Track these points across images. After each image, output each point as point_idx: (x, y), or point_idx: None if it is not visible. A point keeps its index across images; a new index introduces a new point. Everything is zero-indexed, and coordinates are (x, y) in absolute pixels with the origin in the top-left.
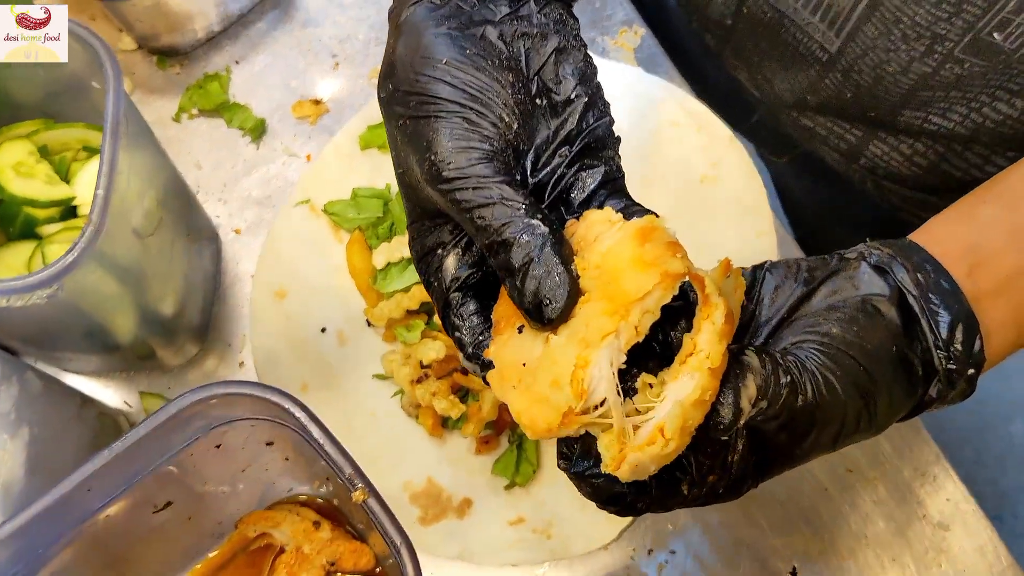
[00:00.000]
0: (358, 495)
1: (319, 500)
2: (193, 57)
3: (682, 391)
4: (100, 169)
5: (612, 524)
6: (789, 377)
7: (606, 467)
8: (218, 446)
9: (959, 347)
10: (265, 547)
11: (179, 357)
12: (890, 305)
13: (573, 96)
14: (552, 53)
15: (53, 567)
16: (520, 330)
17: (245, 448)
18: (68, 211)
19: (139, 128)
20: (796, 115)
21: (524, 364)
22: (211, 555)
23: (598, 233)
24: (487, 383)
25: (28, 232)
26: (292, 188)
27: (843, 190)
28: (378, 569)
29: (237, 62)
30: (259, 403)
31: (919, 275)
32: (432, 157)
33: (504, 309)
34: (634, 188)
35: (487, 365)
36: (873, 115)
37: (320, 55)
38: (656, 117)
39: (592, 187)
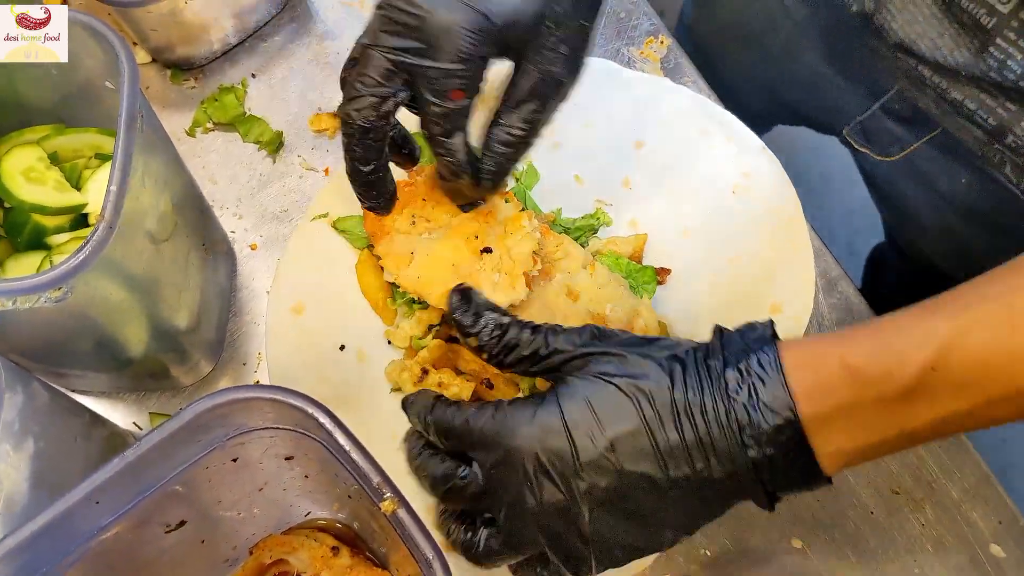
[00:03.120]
0: (387, 505)
1: (338, 525)
2: (208, 71)
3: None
4: (113, 165)
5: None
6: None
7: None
8: (235, 460)
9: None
10: (281, 574)
11: (192, 376)
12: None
13: None
14: None
15: None
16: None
17: (263, 463)
18: (78, 220)
19: (154, 127)
20: (946, 86)
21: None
22: None
23: None
24: None
25: (37, 242)
26: (309, 203)
27: (974, 178)
28: None
29: (254, 75)
30: (279, 409)
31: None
32: None
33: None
34: (664, 199)
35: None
36: None
37: (338, 68)
38: (684, 127)
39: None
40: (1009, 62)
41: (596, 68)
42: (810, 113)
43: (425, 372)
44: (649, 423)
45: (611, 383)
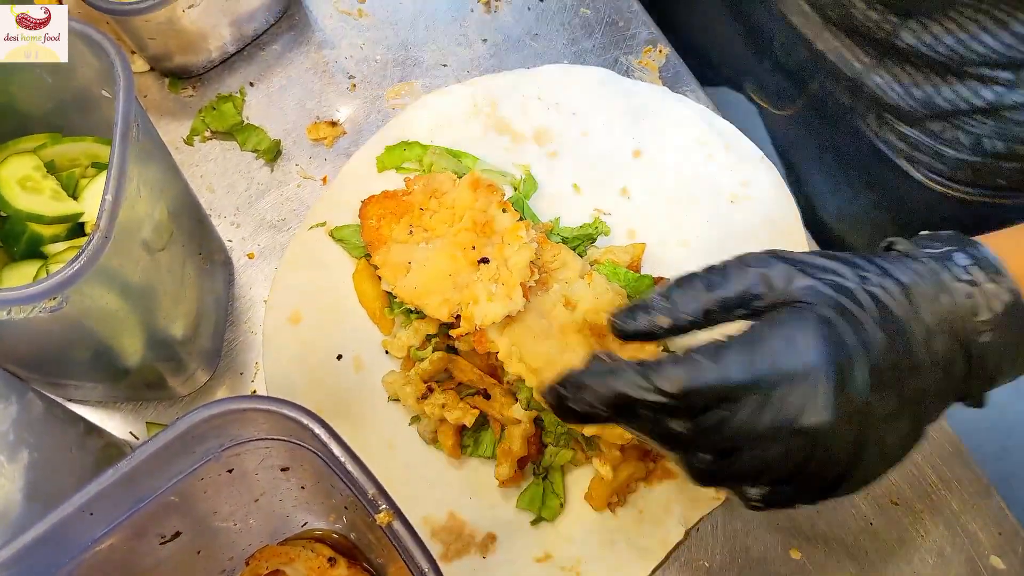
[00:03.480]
0: (382, 517)
1: (334, 535)
2: (206, 80)
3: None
4: (109, 173)
5: (643, 562)
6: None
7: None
8: (230, 471)
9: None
10: None
11: (189, 386)
12: None
13: None
14: None
15: None
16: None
17: (259, 474)
18: (75, 229)
19: (150, 135)
20: (812, 36)
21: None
22: None
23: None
24: None
25: (33, 251)
26: (307, 212)
27: (848, 136)
28: None
29: (252, 84)
30: (275, 420)
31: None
32: None
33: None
34: (662, 208)
35: None
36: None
37: (336, 76)
38: (683, 136)
39: None
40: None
41: (594, 77)
42: (722, 70)
43: (430, 390)
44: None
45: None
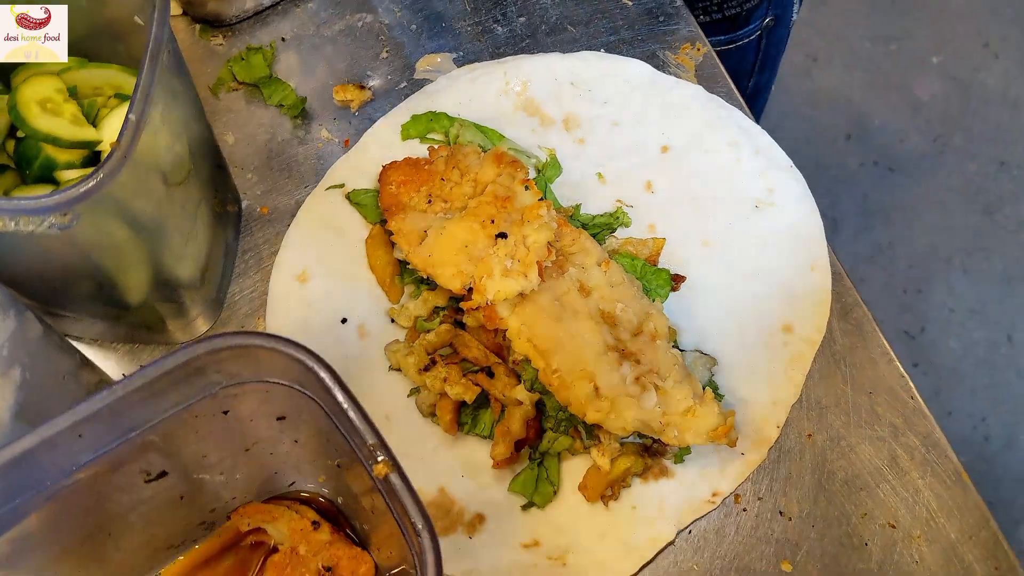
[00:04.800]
0: (380, 468)
1: (321, 499)
2: (237, 31)
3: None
4: (135, 95)
5: (631, 559)
6: None
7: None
8: (226, 412)
9: None
10: (257, 545)
11: (188, 333)
12: None
13: None
14: None
15: (31, 525)
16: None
17: (254, 421)
18: (90, 159)
19: (180, 69)
20: None
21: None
22: (198, 547)
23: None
24: None
25: (46, 175)
26: (326, 172)
27: None
28: None
29: (283, 39)
30: (279, 360)
31: None
32: None
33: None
34: (686, 206)
35: None
36: None
37: (369, 41)
38: (713, 136)
39: None
40: None
41: (631, 68)
42: None
43: (433, 362)
44: None
45: None
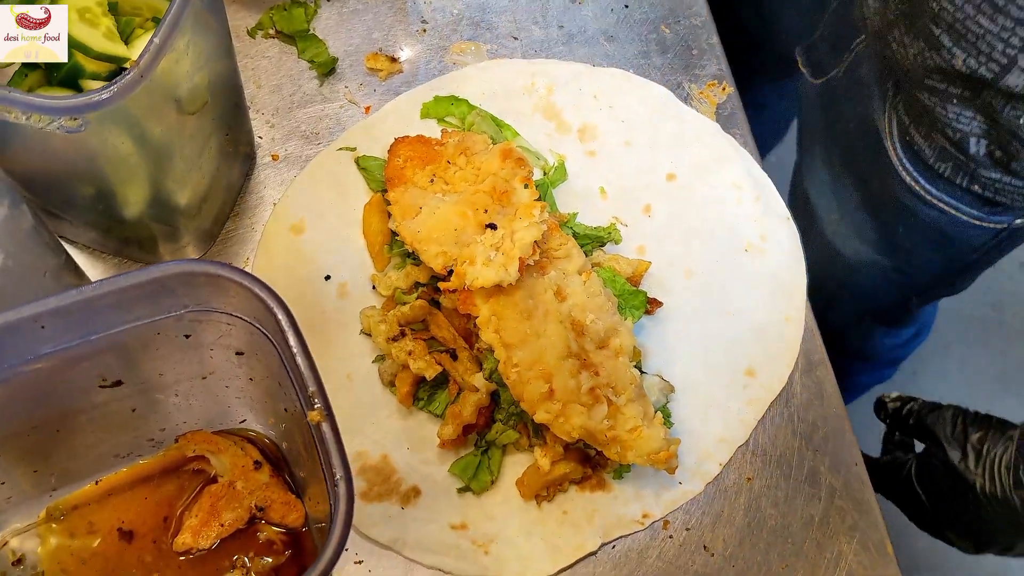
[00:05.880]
0: (314, 415)
1: (267, 440)
2: None
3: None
4: (163, 20)
5: (552, 560)
6: None
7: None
8: (188, 336)
9: None
10: (198, 472)
11: (176, 257)
12: None
13: None
14: None
15: None
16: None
17: (214, 351)
18: (115, 74)
19: (216, 5)
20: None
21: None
22: (142, 462)
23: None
24: None
25: (71, 81)
26: (342, 133)
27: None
28: (304, 530)
29: None
30: (244, 296)
31: None
32: None
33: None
34: (679, 235)
35: None
36: None
37: (410, 16)
38: (720, 175)
39: None
40: None
41: (655, 93)
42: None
43: (403, 334)
44: None
45: None
